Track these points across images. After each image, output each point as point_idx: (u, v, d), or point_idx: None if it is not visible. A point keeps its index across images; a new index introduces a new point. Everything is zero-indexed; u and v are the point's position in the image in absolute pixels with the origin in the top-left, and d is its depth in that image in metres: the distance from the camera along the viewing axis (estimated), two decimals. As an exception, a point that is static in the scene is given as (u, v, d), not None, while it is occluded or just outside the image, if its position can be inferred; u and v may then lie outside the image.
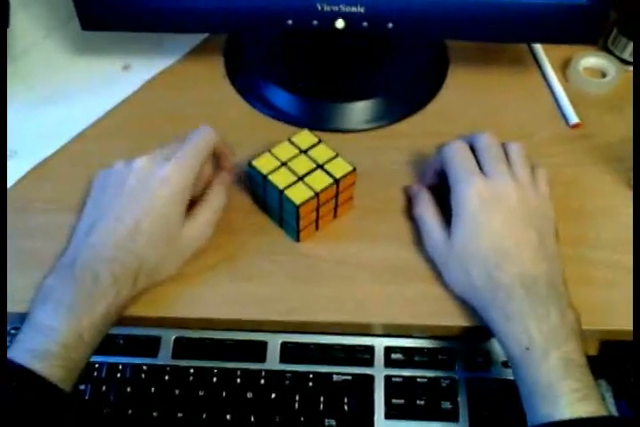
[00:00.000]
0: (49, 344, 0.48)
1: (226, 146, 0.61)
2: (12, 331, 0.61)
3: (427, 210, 0.59)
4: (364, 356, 0.60)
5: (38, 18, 0.76)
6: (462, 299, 0.56)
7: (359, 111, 0.69)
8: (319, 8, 0.61)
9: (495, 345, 0.59)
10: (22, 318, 0.51)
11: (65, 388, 0.48)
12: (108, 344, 0.53)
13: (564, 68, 0.74)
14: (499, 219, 0.54)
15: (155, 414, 0.58)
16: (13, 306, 0.54)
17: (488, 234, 0.54)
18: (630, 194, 0.63)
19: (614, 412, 0.61)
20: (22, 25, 0.74)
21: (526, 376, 0.50)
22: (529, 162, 0.59)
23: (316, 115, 0.69)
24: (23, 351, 0.48)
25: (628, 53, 0.73)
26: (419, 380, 0.59)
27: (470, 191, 0.55)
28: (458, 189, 0.56)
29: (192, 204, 0.58)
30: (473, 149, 0.59)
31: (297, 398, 0.58)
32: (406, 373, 0.59)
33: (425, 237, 0.59)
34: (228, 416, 0.58)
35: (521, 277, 0.52)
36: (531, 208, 0.56)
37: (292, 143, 0.57)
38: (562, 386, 0.48)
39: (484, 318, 0.54)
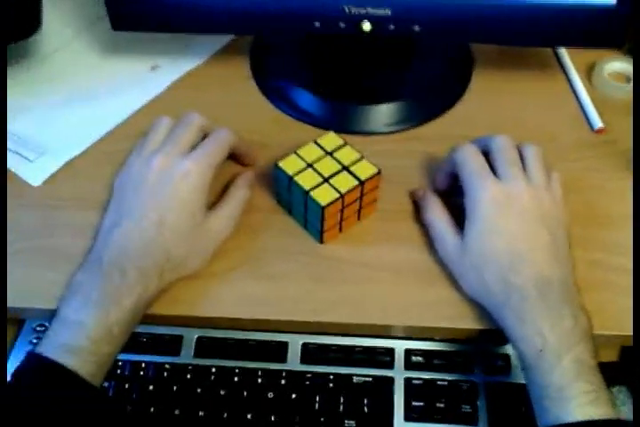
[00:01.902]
0: (79, 339, 0.49)
1: (246, 145, 0.62)
2: (38, 328, 0.62)
3: (437, 214, 0.59)
4: (384, 358, 0.61)
5: (67, 18, 0.77)
6: (477, 302, 0.56)
7: (384, 114, 0.69)
8: (346, 10, 0.61)
9: (516, 349, 0.59)
10: (52, 314, 0.52)
11: (95, 383, 0.49)
12: (131, 342, 0.54)
13: (588, 72, 0.73)
14: (512, 222, 0.54)
15: (176, 412, 0.58)
16: (43, 303, 0.55)
17: (502, 237, 0.54)
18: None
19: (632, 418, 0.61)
20: (52, 25, 0.74)
21: (539, 378, 0.50)
22: (545, 164, 0.58)
23: (341, 117, 0.69)
24: (54, 346, 0.49)
25: (654, 58, 0.72)
26: (439, 383, 0.60)
27: (484, 195, 0.55)
28: (471, 193, 0.56)
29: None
30: (486, 152, 0.59)
31: (317, 398, 0.59)
32: (426, 375, 0.60)
33: (437, 242, 0.59)
34: (249, 416, 0.58)
35: (535, 279, 0.53)
36: (544, 211, 0.55)
37: (318, 145, 0.57)
38: (573, 388, 0.48)
39: (498, 320, 0.54)
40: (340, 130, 0.62)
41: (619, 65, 0.73)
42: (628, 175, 0.65)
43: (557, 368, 0.49)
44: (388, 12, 0.61)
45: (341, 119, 0.69)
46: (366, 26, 0.62)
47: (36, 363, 0.48)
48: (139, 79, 0.72)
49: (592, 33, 0.63)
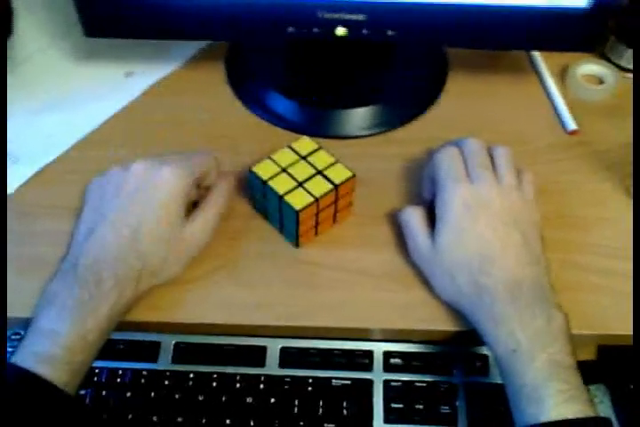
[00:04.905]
0: (53, 348, 0.49)
1: (220, 174, 0.61)
2: (13, 336, 0.61)
3: (413, 216, 0.59)
4: (363, 361, 0.61)
5: (42, 25, 0.76)
6: (450, 305, 0.57)
7: (359, 118, 0.69)
8: (319, 15, 0.61)
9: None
10: (27, 323, 0.52)
11: (69, 392, 0.48)
12: (108, 349, 0.54)
13: (562, 75, 0.74)
14: (482, 223, 0.55)
15: (155, 418, 0.58)
16: (18, 311, 0.55)
17: (472, 239, 0.54)
18: (628, 201, 0.64)
19: (611, 415, 0.61)
20: (26, 32, 0.74)
21: (513, 378, 0.50)
22: (514, 165, 0.59)
23: (315, 121, 0.69)
24: (28, 355, 0.49)
25: (625, 60, 0.73)
26: (417, 384, 0.60)
27: (454, 197, 0.55)
28: (442, 195, 0.56)
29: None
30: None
31: (296, 402, 0.59)
32: (405, 377, 0.60)
33: (409, 243, 0.59)
34: (228, 421, 0.58)
35: (506, 280, 0.53)
36: (515, 212, 0.56)
37: (292, 149, 0.58)
38: (547, 388, 0.48)
39: (472, 322, 0.54)
40: (315, 134, 0.63)
41: (592, 67, 0.74)
42: (603, 176, 0.66)
43: (531, 368, 0.49)
44: (361, 17, 0.61)
45: (316, 123, 0.69)
46: (340, 31, 0.62)
47: (9, 373, 0.48)
48: (113, 85, 0.71)
49: (564, 36, 0.64)
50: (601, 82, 0.74)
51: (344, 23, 0.62)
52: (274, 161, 0.57)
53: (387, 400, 0.59)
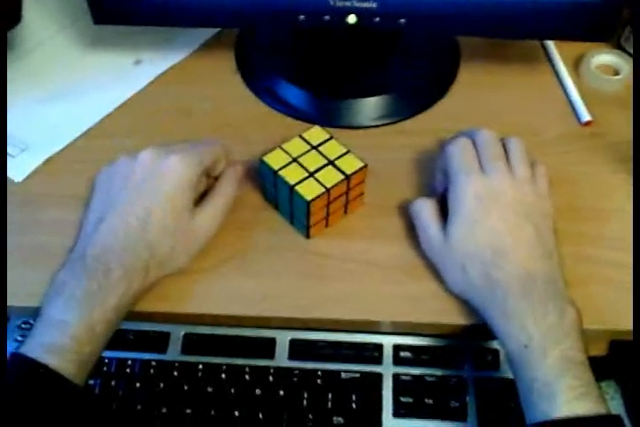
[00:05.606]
0: (62, 338, 0.49)
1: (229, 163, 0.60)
2: (23, 325, 0.61)
3: (424, 207, 0.58)
4: (372, 354, 0.60)
5: (51, 13, 0.76)
6: (461, 298, 0.56)
7: (370, 108, 0.68)
8: (331, 3, 0.61)
9: (504, 344, 0.59)
10: (35, 312, 0.52)
11: (78, 382, 0.48)
12: (117, 339, 0.53)
13: (576, 65, 0.73)
14: (495, 216, 0.54)
15: (163, 409, 0.58)
16: (26, 300, 0.55)
17: (484, 231, 0.54)
18: None
19: (622, 411, 0.61)
20: (35, 20, 0.74)
21: (525, 374, 0.50)
22: (528, 157, 0.58)
23: (326, 111, 0.69)
24: (36, 346, 0.48)
25: (641, 51, 0.72)
26: (427, 378, 0.59)
27: (467, 189, 0.55)
28: (455, 187, 0.55)
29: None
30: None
31: (305, 395, 0.58)
32: (415, 371, 0.59)
33: (421, 236, 0.58)
34: (237, 413, 0.58)
35: (519, 274, 0.52)
36: (528, 205, 0.55)
37: (304, 139, 0.57)
38: (559, 384, 0.48)
39: (483, 316, 0.54)
40: (327, 124, 0.62)
41: (606, 57, 0.73)
42: (616, 168, 0.65)
43: (543, 364, 0.49)
44: (373, 4, 0.61)
45: (327, 113, 0.69)
46: (351, 18, 0.62)
47: (19, 363, 0.48)
48: (122, 73, 0.71)
49: (579, 26, 0.63)
50: (616, 73, 0.73)
51: (356, 11, 0.61)
52: (285, 151, 0.56)
53: (396, 394, 0.58)
